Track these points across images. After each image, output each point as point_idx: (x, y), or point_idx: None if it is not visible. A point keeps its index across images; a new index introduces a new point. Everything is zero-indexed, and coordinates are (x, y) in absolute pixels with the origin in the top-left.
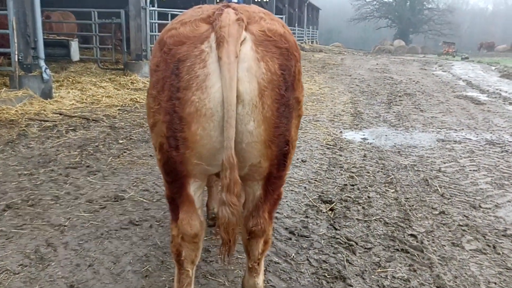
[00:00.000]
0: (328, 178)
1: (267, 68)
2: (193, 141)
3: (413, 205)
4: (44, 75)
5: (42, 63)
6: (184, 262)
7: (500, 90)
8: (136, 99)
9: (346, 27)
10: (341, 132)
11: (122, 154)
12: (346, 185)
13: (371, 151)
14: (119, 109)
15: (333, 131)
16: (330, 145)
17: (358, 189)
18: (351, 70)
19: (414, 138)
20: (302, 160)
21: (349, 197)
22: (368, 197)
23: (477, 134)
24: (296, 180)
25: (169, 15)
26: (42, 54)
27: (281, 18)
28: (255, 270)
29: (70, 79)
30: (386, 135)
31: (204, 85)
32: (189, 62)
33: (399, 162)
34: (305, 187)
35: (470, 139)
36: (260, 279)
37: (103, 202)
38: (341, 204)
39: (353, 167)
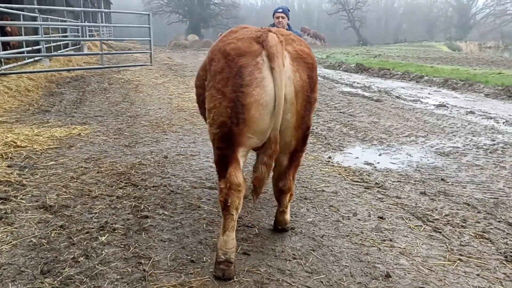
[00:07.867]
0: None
1: (300, 77)
2: (251, 121)
3: None
4: None
5: None
6: (230, 208)
7: (359, 84)
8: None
9: (136, 23)
10: (330, 157)
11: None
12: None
13: (413, 184)
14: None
15: (321, 156)
16: (356, 181)
17: None
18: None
19: (414, 155)
20: (379, 217)
21: None
22: None
23: (462, 140)
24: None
25: None
26: None
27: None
28: (284, 212)
29: None
30: (379, 155)
31: (262, 84)
32: (250, 68)
33: (469, 195)
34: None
35: (459, 147)
36: (288, 215)
37: None
38: None
39: (438, 215)
